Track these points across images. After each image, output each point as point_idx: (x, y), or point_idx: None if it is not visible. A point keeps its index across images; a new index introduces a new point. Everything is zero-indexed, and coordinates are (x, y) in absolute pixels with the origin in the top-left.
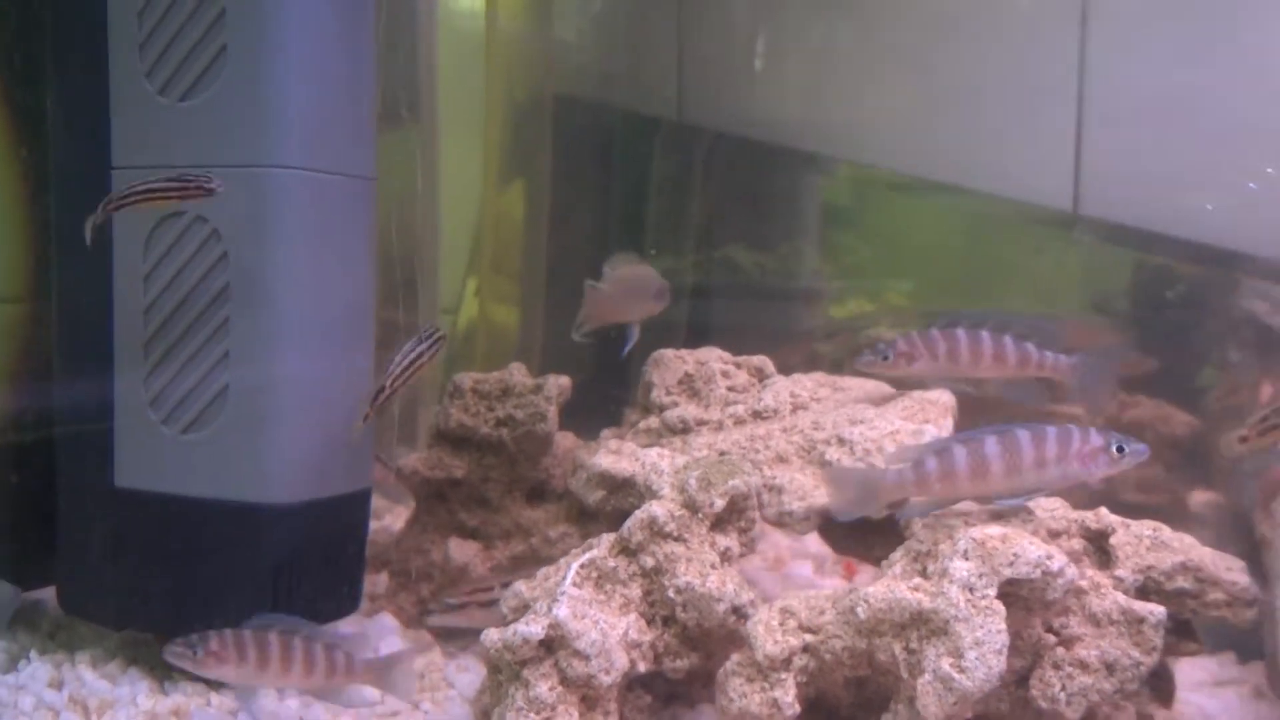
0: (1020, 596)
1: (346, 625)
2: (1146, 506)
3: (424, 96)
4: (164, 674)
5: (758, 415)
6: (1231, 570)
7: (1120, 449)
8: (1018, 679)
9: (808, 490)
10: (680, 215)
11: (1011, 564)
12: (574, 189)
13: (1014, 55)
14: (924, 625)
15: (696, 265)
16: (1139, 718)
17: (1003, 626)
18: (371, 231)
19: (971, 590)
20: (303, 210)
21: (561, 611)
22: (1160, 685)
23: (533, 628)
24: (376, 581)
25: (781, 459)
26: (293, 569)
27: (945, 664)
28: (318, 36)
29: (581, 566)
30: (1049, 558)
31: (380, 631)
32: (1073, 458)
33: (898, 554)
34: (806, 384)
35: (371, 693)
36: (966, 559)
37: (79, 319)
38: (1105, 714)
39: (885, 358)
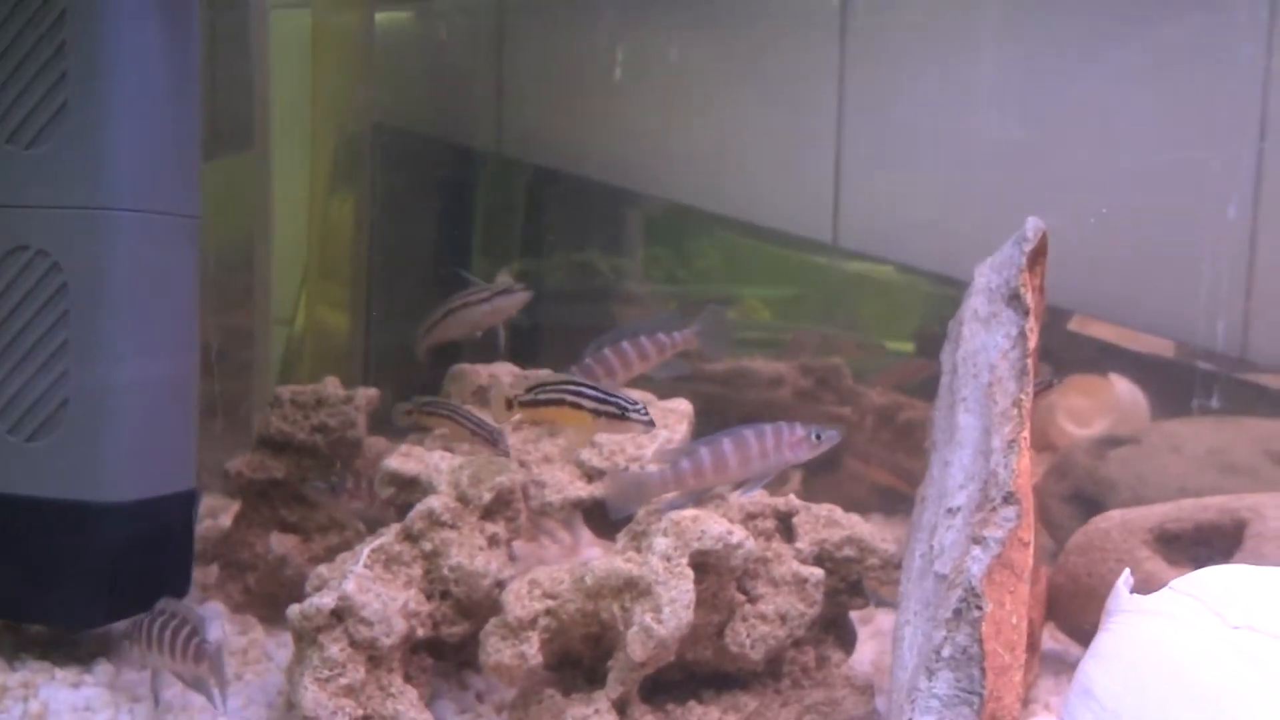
0: (711, 565)
1: None
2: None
3: (258, 124)
4: (12, 654)
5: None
6: (885, 541)
7: (818, 436)
8: (717, 631)
9: (564, 485)
10: (504, 237)
11: (699, 538)
12: (401, 210)
13: (787, 105)
14: (634, 589)
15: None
16: (818, 659)
17: (690, 587)
18: (195, 262)
19: (668, 559)
20: (133, 245)
21: (349, 586)
22: (842, 634)
23: (325, 599)
24: (208, 572)
25: (547, 459)
26: (126, 559)
27: (647, 618)
28: (148, 95)
29: (372, 550)
30: (729, 533)
31: (209, 616)
32: (785, 446)
33: (622, 534)
34: None
35: None
36: (665, 535)
37: None
38: (790, 657)
39: None
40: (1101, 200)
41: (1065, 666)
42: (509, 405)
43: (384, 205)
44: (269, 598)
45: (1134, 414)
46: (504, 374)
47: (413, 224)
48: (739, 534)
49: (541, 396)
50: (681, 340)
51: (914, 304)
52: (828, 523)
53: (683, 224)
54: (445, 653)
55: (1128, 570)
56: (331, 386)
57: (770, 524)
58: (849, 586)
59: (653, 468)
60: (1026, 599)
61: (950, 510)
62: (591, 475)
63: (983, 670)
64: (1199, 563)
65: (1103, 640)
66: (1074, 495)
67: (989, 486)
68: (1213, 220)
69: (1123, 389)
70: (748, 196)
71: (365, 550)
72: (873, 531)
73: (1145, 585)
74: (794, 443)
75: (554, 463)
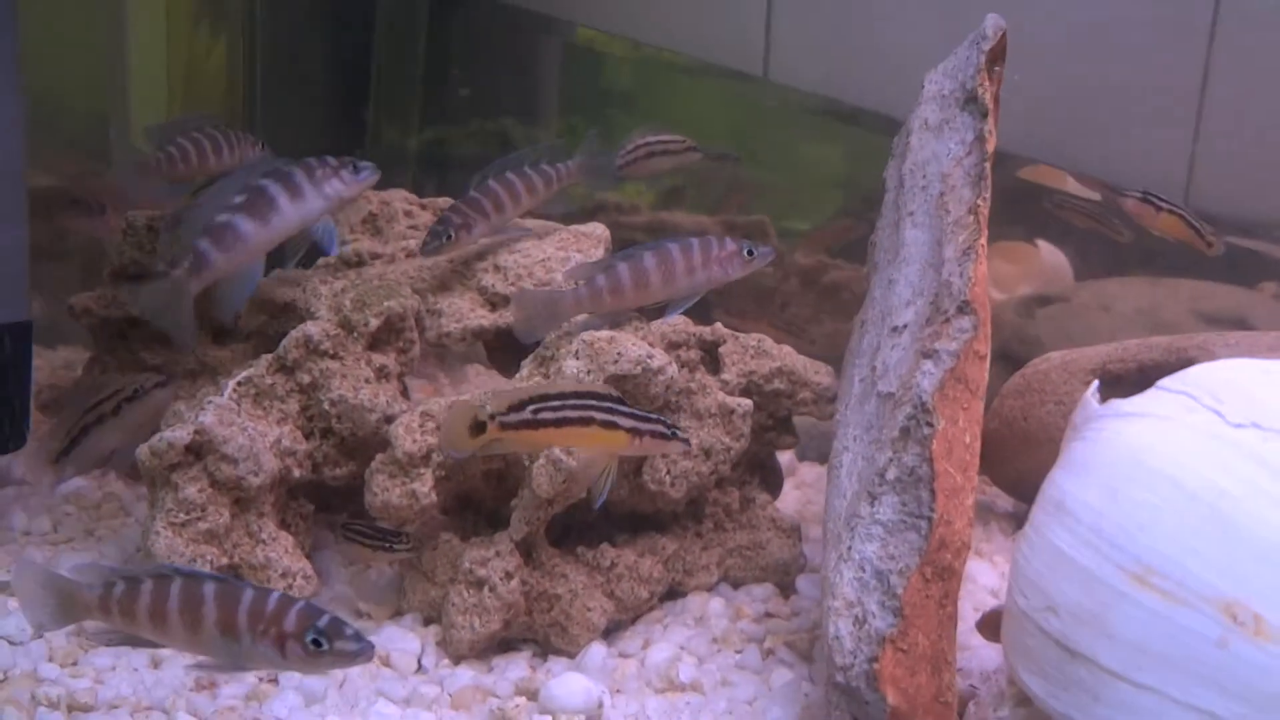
0: (629, 392)
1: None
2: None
3: None
4: None
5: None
6: (819, 373)
7: (750, 252)
8: (634, 468)
9: (464, 313)
10: (406, 71)
11: (616, 361)
12: (287, 36)
13: None
14: None
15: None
16: (742, 501)
17: None
18: (10, 43)
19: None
20: None
21: (207, 418)
22: (768, 476)
23: (178, 433)
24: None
25: (444, 286)
26: None
27: (556, 450)
28: None
29: (239, 384)
30: (649, 356)
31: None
32: (714, 262)
33: (527, 360)
34: None
35: None
36: (577, 358)
37: None
38: (713, 498)
39: (447, 237)
40: (1051, 40)
41: (994, 516)
42: (478, 429)
43: (271, 33)
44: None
45: (1057, 278)
46: (397, 200)
47: (298, 59)
48: (660, 357)
49: (546, 415)
50: (566, 173)
51: (848, 145)
52: (757, 353)
53: (603, 55)
54: (331, 500)
55: (1097, 381)
56: None
57: (694, 354)
58: (778, 423)
59: (566, 286)
60: (980, 418)
61: (895, 329)
62: (495, 302)
63: (932, 492)
64: None
65: (1076, 450)
66: (1001, 354)
67: (941, 298)
68: (1163, 66)
69: (1046, 253)
70: (673, 23)
71: (230, 384)
72: (806, 363)
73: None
74: (724, 258)
75: (452, 290)
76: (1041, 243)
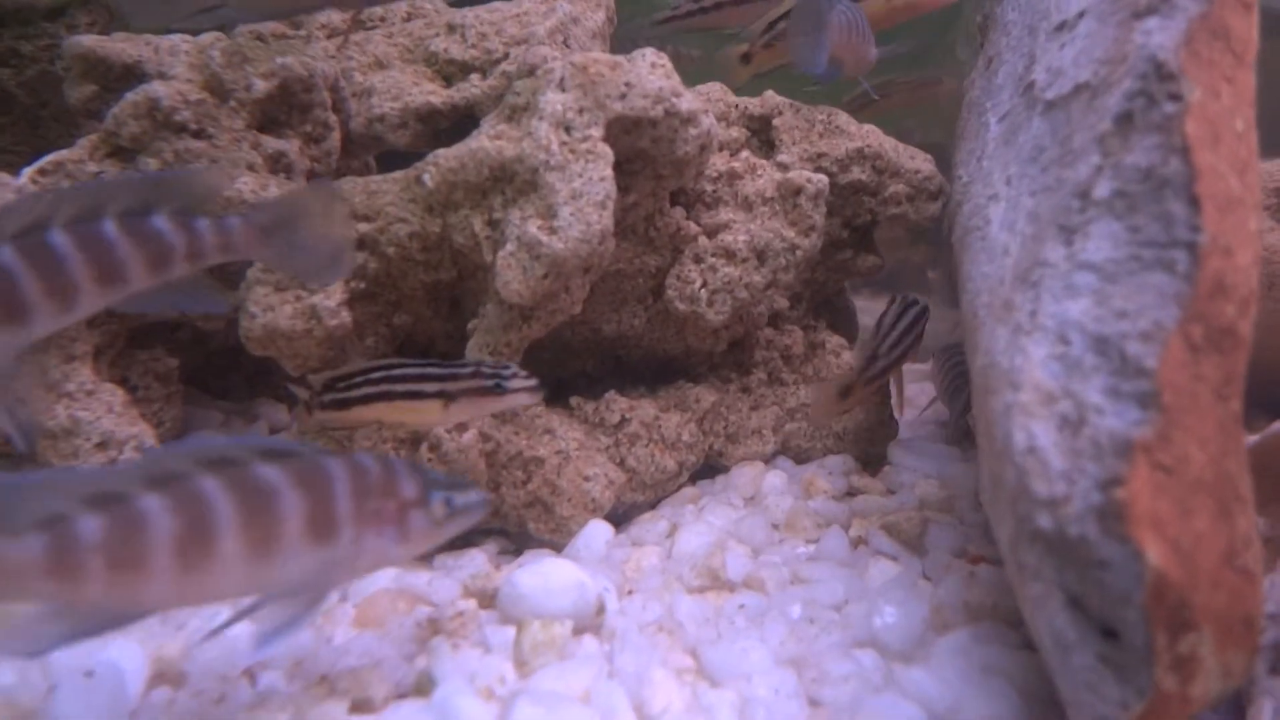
0: (644, 153)
1: None
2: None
3: None
4: None
5: (359, 24)
6: (916, 158)
7: None
8: (653, 286)
9: (404, 89)
10: None
11: (624, 96)
12: None
13: None
14: (509, 184)
15: None
16: (808, 347)
17: (607, 173)
18: None
19: (569, 130)
20: None
21: None
22: (839, 315)
23: None
24: None
25: (380, 64)
26: None
27: (532, 227)
28: None
29: (40, 170)
30: (676, 94)
31: None
32: None
33: (489, 117)
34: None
35: None
36: (563, 89)
37: None
38: (766, 339)
39: None
40: None
41: None
42: (845, 392)
43: None
44: None
45: None
46: None
47: None
48: (690, 100)
49: (896, 352)
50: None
51: None
52: (827, 130)
53: None
54: (222, 370)
55: None
56: None
57: (738, 132)
58: (855, 235)
59: None
60: (1252, 113)
61: (1061, 25)
62: (450, 75)
63: (1193, 201)
64: None
65: None
66: None
67: None
68: None
69: None
70: None
71: (27, 170)
72: (897, 146)
73: (1267, 263)
74: None
75: (390, 67)
76: None
